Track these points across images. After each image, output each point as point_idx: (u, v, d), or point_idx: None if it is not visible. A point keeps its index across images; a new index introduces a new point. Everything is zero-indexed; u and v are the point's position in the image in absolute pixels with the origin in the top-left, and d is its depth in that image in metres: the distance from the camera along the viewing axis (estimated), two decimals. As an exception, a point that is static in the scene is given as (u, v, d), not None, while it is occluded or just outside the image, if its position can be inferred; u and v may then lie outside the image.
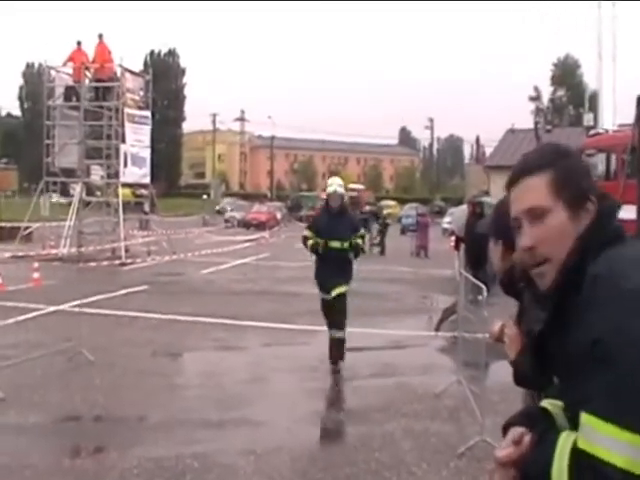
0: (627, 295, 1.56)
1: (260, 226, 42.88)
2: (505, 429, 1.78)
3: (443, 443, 6.61)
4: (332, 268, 9.11)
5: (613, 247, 1.70)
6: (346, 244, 9.13)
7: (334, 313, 9.18)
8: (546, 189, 1.78)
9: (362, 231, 9.59)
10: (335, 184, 9.22)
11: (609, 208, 1.79)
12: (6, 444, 6.48)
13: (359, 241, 9.31)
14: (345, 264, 9.26)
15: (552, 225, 1.77)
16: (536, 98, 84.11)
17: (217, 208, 58.35)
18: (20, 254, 21.74)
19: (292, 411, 7.59)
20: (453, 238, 13.76)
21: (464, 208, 12.36)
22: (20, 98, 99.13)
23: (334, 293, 9.07)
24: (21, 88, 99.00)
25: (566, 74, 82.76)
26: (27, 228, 26.07)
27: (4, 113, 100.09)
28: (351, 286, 9.38)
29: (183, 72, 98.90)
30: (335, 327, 9.17)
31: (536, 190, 1.79)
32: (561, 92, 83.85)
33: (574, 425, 1.60)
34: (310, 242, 9.18)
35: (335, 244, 9.09)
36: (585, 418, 1.54)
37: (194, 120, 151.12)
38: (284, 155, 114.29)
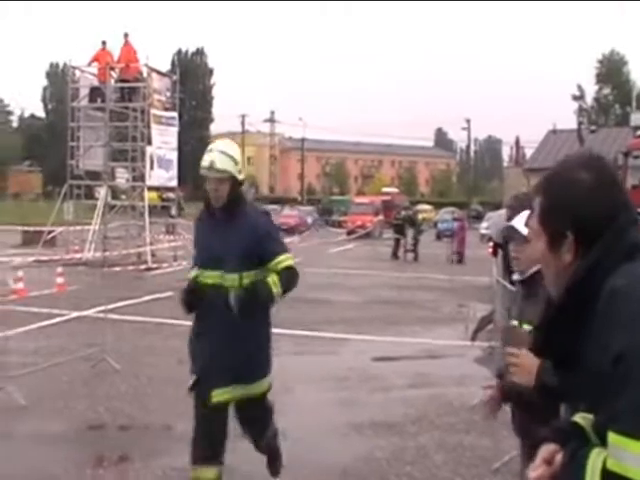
0: None
1: (290, 231, 42.76)
2: (536, 446, 1.77)
3: (478, 457, 6.45)
4: (212, 336, 4.58)
5: (632, 261, 1.68)
6: (232, 279, 4.54)
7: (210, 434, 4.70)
8: (538, 214, 1.86)
9: (284, 257, 4.68)
10: (216, 150, 4.65)
11: (626, 222, 1.77)
12: (27, 453, 6.36)
13: (270, 279, 4.56)
14: (240, 327, 4.52)
15: (536, 251, 1.87)
16: (580, 97, 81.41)
17: None
18: (44, 258, 21.73)
19: (321, 422, 7.42)
20: (491, 244, 13.52)
21: (502, 213, 12.03)
22: (44, 99, 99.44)
23: (215, 399, 4.57)
24: (45, 89, 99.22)
25: (612, 71, 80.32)
26: (51, 232, 26.07)
27: (28, 114, 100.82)
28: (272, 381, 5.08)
29: (211, 72, 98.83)
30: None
31: (535, 212, 1.88)
32: (607, 90, 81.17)
33: (605, 443, 1.57)
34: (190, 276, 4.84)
35: (210, 278, 4.61)
36: (613, 438, 1.52)
37: (223, 121, 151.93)
38: (315, 158, 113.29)
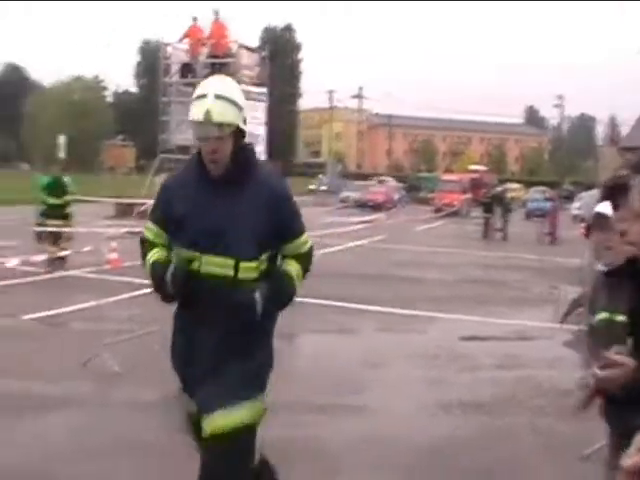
0: None
1: (376, 207, 42.60)
2: (627, 435, 1.75)
3: (568, 443, 6.25)
4: (206, 340, 3.55)
5: None
6: (248, 268, 3.44)
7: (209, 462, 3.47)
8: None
9: (306, 235, 3.64)
10: (211, 94, 3.34)
11: None
12: (121, 420, 6.51)
13: (293, 272, 3.57)
14: (246, 331, 3.54)
15: (637, 231, 1.84)
16: (679, 71, 78.36)
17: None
18: (136, 230, 22.17)
19: (409, 400, 7.38)
20: (583, 225, 13.18)
21: (594, 193, 11.72)
22: (137, 75, 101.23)
23: (209, 429, 3.42)
24: (138, 64, 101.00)
25: None
26: (143, 204, 26.62)
27: (121, 90, 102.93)
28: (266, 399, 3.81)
29: (299, 48, 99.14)
30: None
31: (636, 191, 1.84)
32: None
33: None
34: (152, 257, 3.81)
35: (216, 266, 3.45)
36: None
37: (310, 97, 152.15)
38: (402, 134, 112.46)
